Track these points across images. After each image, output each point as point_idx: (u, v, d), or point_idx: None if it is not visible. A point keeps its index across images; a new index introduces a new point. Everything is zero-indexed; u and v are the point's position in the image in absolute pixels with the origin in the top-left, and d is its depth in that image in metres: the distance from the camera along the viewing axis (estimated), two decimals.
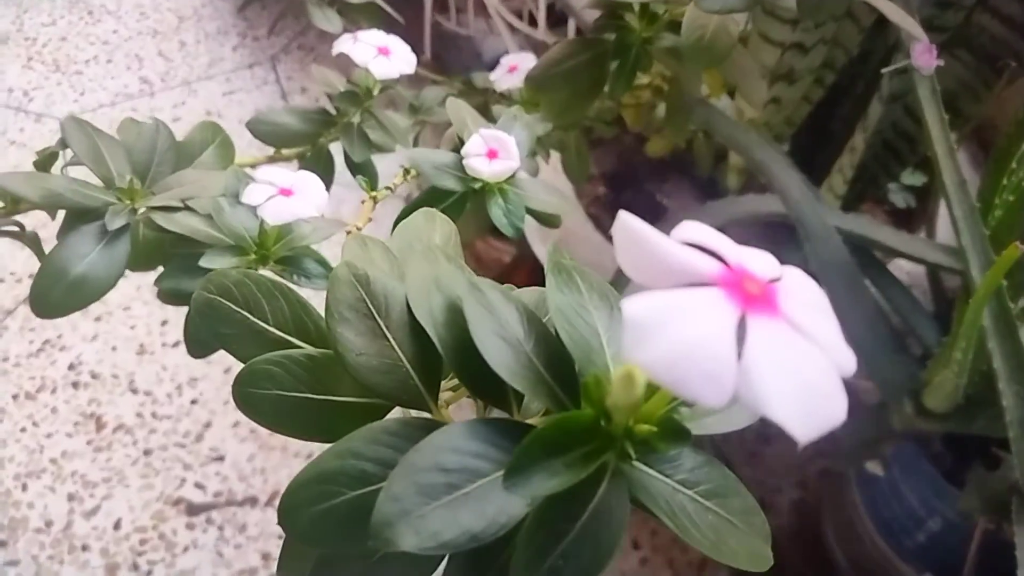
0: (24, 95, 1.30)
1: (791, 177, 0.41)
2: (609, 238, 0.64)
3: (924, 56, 0.42)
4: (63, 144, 0.31)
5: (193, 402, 0.95)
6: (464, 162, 0.30)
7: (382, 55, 0.38)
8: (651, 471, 0.18)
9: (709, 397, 0.12)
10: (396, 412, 0.18)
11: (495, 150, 0.30)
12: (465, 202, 0.32)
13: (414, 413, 0.18)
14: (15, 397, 0.96)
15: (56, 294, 0.27)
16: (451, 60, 1.32)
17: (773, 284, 0.14)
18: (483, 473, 0.15)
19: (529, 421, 0.18)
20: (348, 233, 0.27)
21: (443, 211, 0.35)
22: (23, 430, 0.93)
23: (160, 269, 0.31)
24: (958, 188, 0.42)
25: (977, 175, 0.62)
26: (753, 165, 0.41)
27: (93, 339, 1.00)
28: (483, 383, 0.17)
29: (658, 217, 0.68)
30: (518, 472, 0.15)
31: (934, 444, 0.63)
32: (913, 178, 0.61)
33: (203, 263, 0.26)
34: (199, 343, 0.28)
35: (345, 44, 0.38)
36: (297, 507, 0.16)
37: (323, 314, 0.16)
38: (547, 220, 0.32)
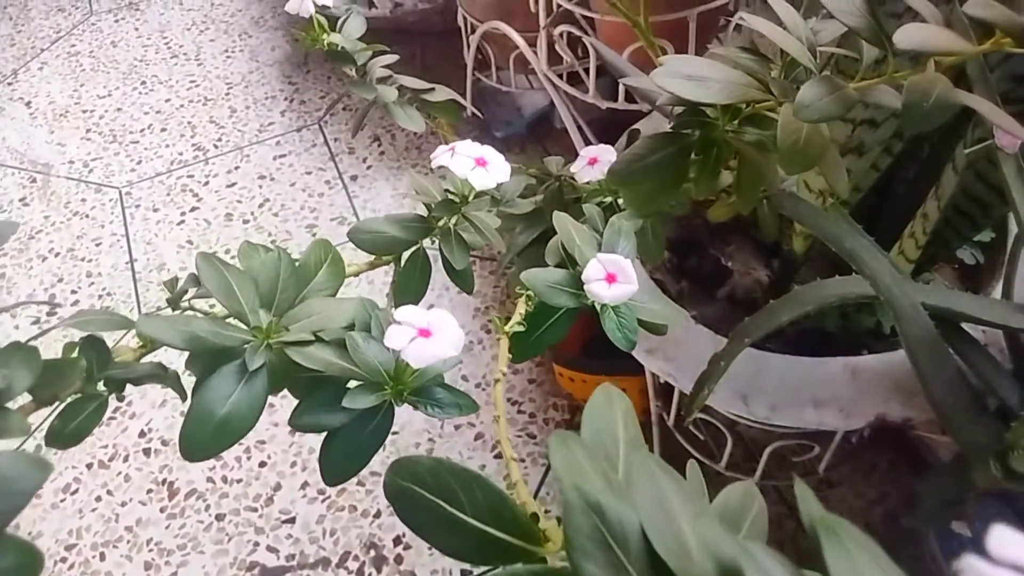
0: (84, 166, 1.36)
1: (881, 263, 0.41)
2: (674, 303, 0.65)
3: (1007, 137, 0.42)
4: (195, 281, 0.33)
5: (262, 464, 0.97)
6: (586, 288, 0.31)
7: (480, 166, 0.40)
8: None
9: None
10: None
11: (614, 274, 0.31)
12: (575, 315, 0.34)
13: None
14: (89, 466, 0.98)
15: (204, 437, 0.28)
16: (492, 114, 1.35)
17: None
18: None
19: None
20: (496, 381, 0.28)
21: (554, 323, 0.36)
22: (98, 499, 0.96)
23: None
24: None
25: None
26: (844, 253, 0.42)
27: (162, 405, 1.03)
28: None
29: (724, 281, 0.69)
30: None
31: (1018, 500, 0.63)
32: (982, 235, 0.61)
33: (347, 404, 0.27)
34: (335, 474, 0.29)
35: (443, 158, 0.40)
36: None
37: (523, 504, 0.16)
38: (655, 329, 0.33)
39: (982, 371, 0.53)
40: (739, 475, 0.81)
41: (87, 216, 1.28)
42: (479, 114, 1.36)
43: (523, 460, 0.94)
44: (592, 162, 0.48)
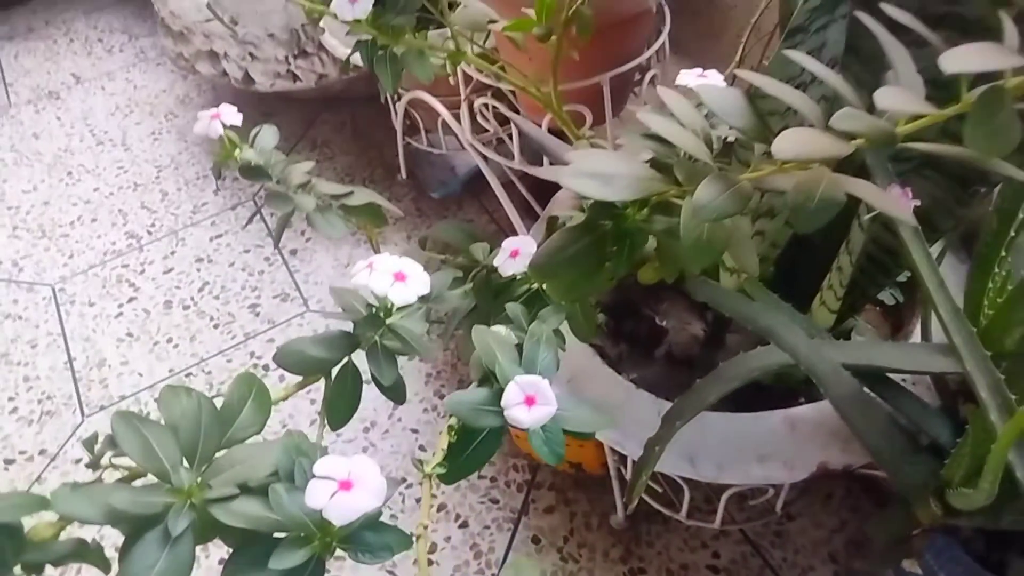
0: (13, 265, 1.32)
1: (797, 335, 0.43)
2: (615, 370, 0.66)
3: (901, 201, 0.44)
4: (111, 443, 0.32)
5: None
6: (505, 413, 0.32)
7: (399, 281, 0.40)
8: None
9: None
10: None
11: (532, 397, 0.32)
12: (503, 431, 0.34)
13: None
14: None
15: None
16: (426, 176, 1.36)
17: None
18: None
19: None
20: (417, 537, 0.28)
21: (483, 441, 0.36)
22: None
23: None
24: (953, 316, 0.44)
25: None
26: (760, 331, 0.43)
27: None
28: None
29: (661, 339, 0.70)
30: None
31: (965, 532, 0.64)
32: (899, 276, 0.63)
33: (273, 565, 0.27)
34: None
35: (362, 276, 0.40)
36: None
37: None
38: (585, 436, 0.34)
39: (911, 414, 0.55)
40: (700, 522, 0.81)
41: (20, 318, 1.24)
42: (413, 176, 1.37)
43: (488, 527, 0.94)
44: (514, 254, 0.49)
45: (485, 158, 0.93)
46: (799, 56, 0.33)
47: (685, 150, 0.39)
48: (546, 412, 0.31)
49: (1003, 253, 0.52)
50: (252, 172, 0.51)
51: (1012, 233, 0.51)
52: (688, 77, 0.45)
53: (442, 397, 1.07)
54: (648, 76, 0.88)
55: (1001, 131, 0.26)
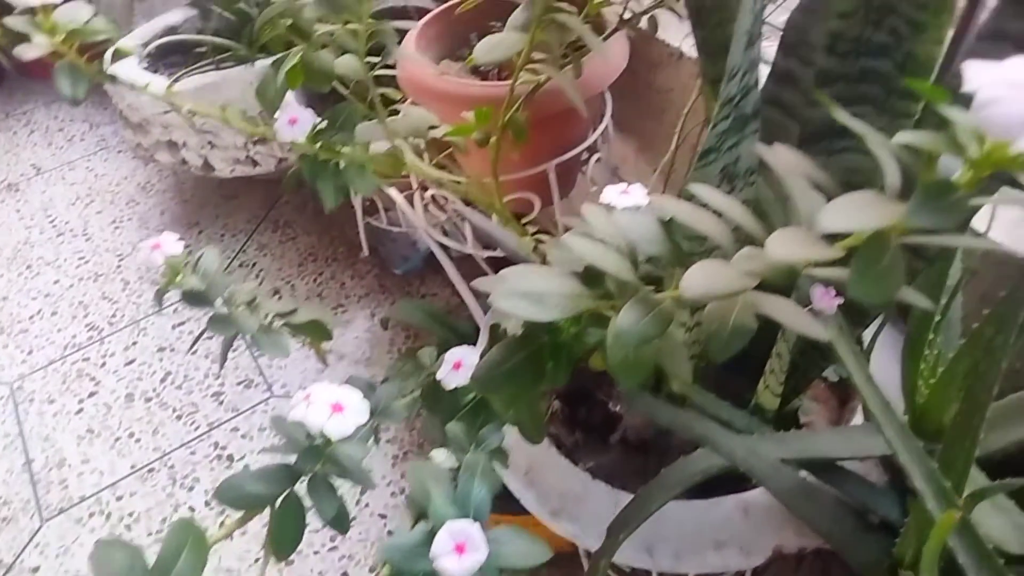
0: None
1: (732, 440, 0.44)
2: (572, 458, 0.66)
3: (825, 299, 0.46)
4: None
5: None
6: (435, 564, 0.32)
7: (336, 412, 0.41)
8: None
9: None
10: None
11: (462, 544, 0.32)
12: None
13: None
14: None
15: None
16: (388, 252, 1.37)
17: None
18: None
19: None
20: None
21: None
22: None
23: None
24: (883, 411, 0.45)
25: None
26: (697, 439, 0.44)
27: None
28: None
29: (616, 425, 0.71)
30: None
31: None
32: None
33: None
34: None
35: (299, 410, 0.40)
36: None
37: None
38: (522, 571, 0.34)
39: (858, 496, 0.56)
40: None
41: None
42: (375, 253, 1.38)
43: None
44: (456, 366, 0.50)
45: (440, 246, 0.95)
46: (702, 190, 0.35)
47: (609, 272, 0.41)
48: (476, 560, 0.32)
49: (931, 335, 0.54)
50: (195, 298, 0.52)
51: (937, 316, 0.53)
52: (612, 194, 0.46)
53: None
54: (594, 158, 0.90)
55: (885, 276, 0.27)
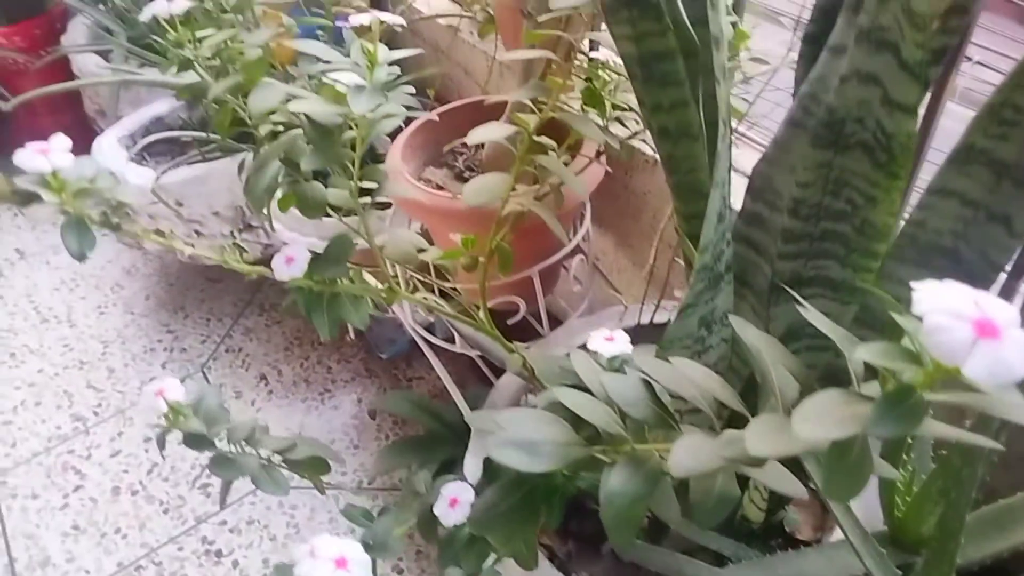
0: None
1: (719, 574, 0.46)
2: (564, 570, 0.67)
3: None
4: None
5: None
6: None
7: (340, 568, 0.42)
8: None
9: None
10: None
11: None
12: None
13: None
14: None
15: None
16: (375, 336, 1.39)
17: None
18: None
19: None
20: None
21: None
22: None
23: None
24: (862, 541, 0.48)
25: None
26: None
27: None
28: None
29: (606, 536, 0.72)
30: None
31: None
32: None
33: None
34: None
35: (304, 566, 0.42)
36: None
37: None
38: None
39: None
40: None
41: None
42: (361, 337, 1.39)
43: None
44: (453, 503, 0.51)
45: (428, 344, 0.97)
46: (682, 363, 0.37)
47: (597, 424, 0.43)
48: None
49: (904, 457, 0.57)
50: (196, 441, 0.53)
51: (908, 439, 0.56)
52: (598, 342, 0.49)
53: None
54: (576, 257, 0.94)
55: (854, 472, 0.30)
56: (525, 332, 0.92)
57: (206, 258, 0.60)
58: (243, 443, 0.56)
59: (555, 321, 0.95)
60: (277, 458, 0.56)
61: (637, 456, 0.41)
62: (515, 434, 0.46)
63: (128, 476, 1.23)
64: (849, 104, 0.40)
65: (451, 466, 1.03)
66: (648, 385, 0.41)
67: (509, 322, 0.88)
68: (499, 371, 1.07)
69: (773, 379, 0.36)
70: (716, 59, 0.51)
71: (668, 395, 0.47)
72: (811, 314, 0.33)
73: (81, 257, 0.52)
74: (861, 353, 0.29)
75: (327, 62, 0.58)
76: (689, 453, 0.35)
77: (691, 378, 0.37)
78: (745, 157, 0.85)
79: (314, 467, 0.54)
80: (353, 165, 0.59)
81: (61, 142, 0.49)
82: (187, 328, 1.47)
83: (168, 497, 1.20)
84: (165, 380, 0.54)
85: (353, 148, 0.58)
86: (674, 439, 0.42)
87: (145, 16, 0.64)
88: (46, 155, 0.49)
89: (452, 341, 0.93)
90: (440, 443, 1.06)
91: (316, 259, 0.59)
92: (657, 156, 0.90)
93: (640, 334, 0.81)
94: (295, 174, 0.63)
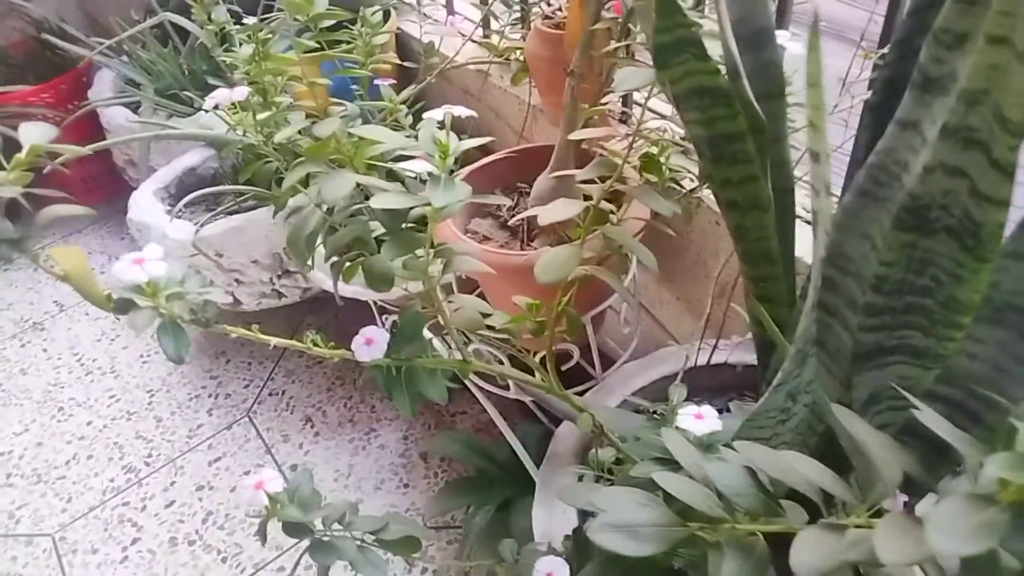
0: (10, 517, 1.31)
1: None
2: None
3: None
4: None
5: None
6: None
7: None
8: None
9: None
10: None
11: None
12: None
13: None
14: None
15: None
16: None
17: None
18: None
19: None
20: None
21: None
22: None
23: None
24: None
25: None
26: None
27: None
28: None
29: None
30: None
31: None
32: None
33: None
34: None
35: None
36: None
37: None
38: None
39: None
40: None
41: None
42: None
43: None
44: None
45: (482, 391, 0.98)
46: (790, 456, 0.39)
47: (697, 508, 0.44)
48: None
49: None
50: (295, 529, 0.55)
51: None
52: (687, 420, 0.50)
53: None
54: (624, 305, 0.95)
55: None
56: (575, 372, 0.93)
57: (296, 345, 0.61)
58: (337, 525, 0.57)
59: (605, 359, 0.96)
60: (370, 537, 0.58)
61: (739, 537, 0.42)
62: (618, 517, 0.47)
63: (184, 526, 1.25)
64: (934, 192, 0.41)
65: (507, 506, 1.04)
66: (752, 472, 0.43)
67: (563, 367, 0.90)
68: (543, 408, 1.08)
69: (881, 470, 0.37)
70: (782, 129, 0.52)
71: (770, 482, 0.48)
72: (927, 416, 0.34)
73: (179, 360, 0.53)
74: (992, 470, 0.30)
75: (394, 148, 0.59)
76: (811, 551, 0.36)
77: (799, 470, 0.39)
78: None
79: (407, 546, 0.56)
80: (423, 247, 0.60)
81: (154, 252, 0.51)
82: (229, 373, 1.49)
83: (225, 545, 1.21)
84: (263, 472, 0.55)
85: (422, 229, 0.60)
86: (775, 522, 0.43)
87: (208, 105, 0.66)
88: (141, 266, 0.51)
89: (507, 388, 0.94)
90: (494, 484, 1.08)
91: (395, 338, 0.61)
92: (699, 196, 0.91)
93: (696, 377, 0.83)
94: (362, 250, 0.65)
